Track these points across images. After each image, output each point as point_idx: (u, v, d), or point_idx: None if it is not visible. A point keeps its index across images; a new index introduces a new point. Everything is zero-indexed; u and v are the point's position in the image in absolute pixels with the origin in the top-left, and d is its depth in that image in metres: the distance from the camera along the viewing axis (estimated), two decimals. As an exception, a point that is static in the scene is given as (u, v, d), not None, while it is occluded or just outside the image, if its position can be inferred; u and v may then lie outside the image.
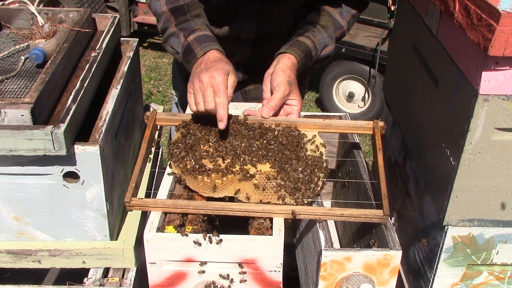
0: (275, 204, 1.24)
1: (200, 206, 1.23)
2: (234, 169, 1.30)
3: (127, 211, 1.42)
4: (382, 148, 1.36)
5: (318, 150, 1.38)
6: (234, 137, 1.39)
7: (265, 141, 1.37)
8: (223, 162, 1.32)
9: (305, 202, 1.26)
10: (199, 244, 1.17)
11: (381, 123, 1.42)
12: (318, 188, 1.30)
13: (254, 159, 1.32)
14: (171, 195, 1.32)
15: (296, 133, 1.41)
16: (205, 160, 1.32)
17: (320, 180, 1.31)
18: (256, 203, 1.25)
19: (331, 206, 1.72)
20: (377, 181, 1.31)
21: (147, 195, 1.45)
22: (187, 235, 1.17)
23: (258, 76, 1.80)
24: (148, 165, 1.56)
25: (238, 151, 1.34)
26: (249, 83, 1.89)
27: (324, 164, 1.35)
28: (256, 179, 1.28)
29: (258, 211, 1.23)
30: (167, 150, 1.40)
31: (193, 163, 1.31)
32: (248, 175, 1.28)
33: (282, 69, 1.50)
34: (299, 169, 1.31)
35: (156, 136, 1.47)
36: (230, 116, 1.41)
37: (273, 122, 1.44)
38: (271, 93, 1.48)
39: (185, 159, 1.33)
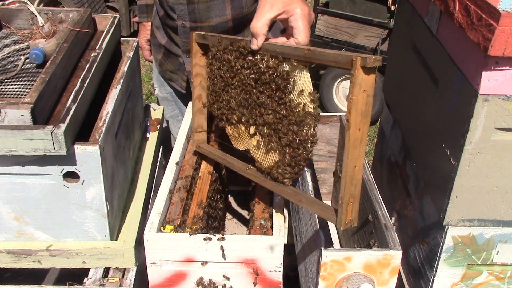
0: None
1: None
2: (239, 125, 1.33)
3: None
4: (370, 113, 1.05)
5: (308, 102, 1.13)
6: (241, 80, 1.27)
7: (255, 90, 1.22)
8: (234, 115, 1.35)
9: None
10: (210, 239, 1.17)
11: (360, 61, 0.96)
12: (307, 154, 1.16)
13: (248, 113, 1.27)
14: (171, 191, 1.32)
15: (284, 74, 1.15)
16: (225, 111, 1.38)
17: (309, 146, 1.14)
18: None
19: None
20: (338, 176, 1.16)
21: (148, 189, 1.45)
22: (196, 234, 1.17)
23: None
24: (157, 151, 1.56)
25: (240, 103, 1.29)
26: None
27: (312, 128, 1.13)
28: (255, 140, 1.29)
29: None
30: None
31: (218, 112, 1.39)
32: (250, 133, 1.30)
33: None
34: (282, 136, 1.18)
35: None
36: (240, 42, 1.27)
37: (264, 52, 1.20)
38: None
39: (213, 106, 1.41)
